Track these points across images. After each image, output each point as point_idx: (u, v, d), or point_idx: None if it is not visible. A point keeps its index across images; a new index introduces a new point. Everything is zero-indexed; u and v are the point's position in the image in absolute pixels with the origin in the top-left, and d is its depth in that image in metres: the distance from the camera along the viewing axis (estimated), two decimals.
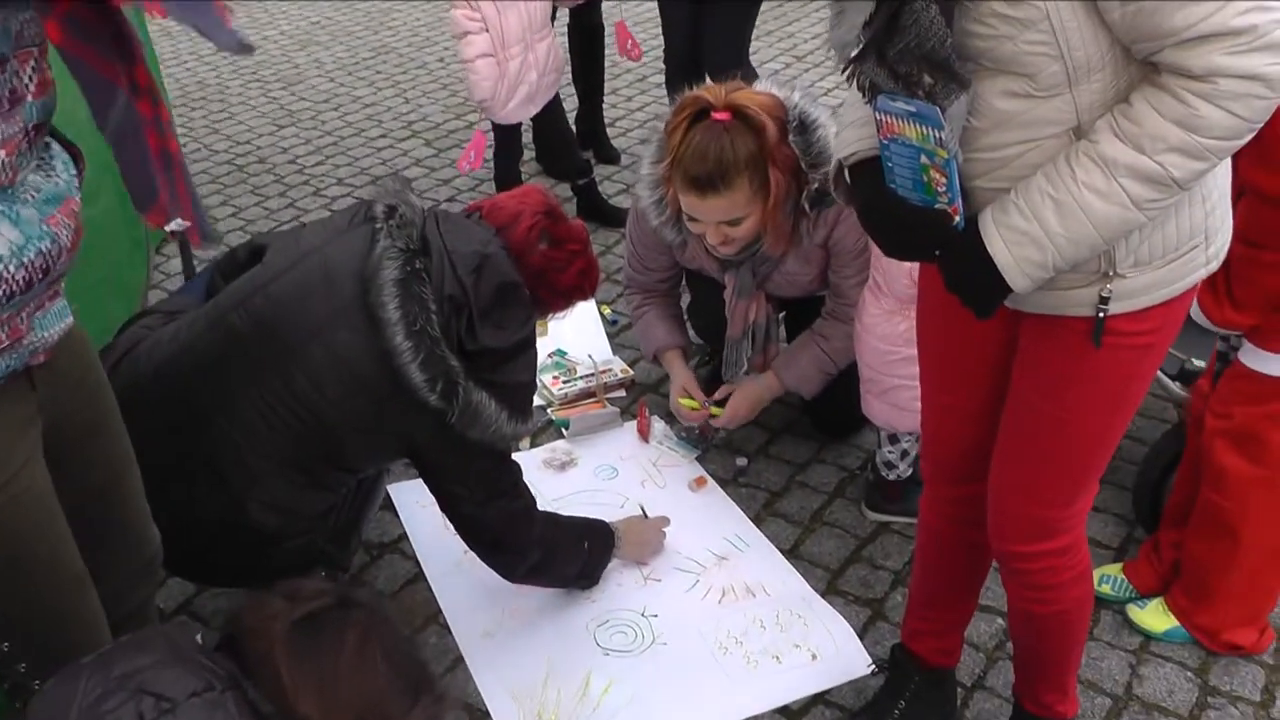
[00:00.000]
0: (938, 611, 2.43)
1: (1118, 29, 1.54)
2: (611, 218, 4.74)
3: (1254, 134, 1.56)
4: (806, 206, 2.89)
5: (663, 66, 4.89)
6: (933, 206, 1.71)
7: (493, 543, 2.64)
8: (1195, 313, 2.43)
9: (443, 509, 2.62)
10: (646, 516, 3.12)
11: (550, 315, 2.67)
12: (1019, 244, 1.67)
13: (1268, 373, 2.42)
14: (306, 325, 2.36)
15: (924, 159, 1.64)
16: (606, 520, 2.92)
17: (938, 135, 1.59)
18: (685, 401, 3.32)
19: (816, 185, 2.83)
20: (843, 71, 1.69)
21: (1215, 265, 1.81)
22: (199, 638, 1.57)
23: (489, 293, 2.39)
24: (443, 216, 2.48)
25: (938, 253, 1.78)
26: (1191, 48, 1.48)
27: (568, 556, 2.77)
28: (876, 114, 1.67)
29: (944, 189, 1.66)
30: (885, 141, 1.69)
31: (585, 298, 2.66)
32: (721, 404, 3.30)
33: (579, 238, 2.60)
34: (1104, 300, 1.75)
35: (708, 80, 4.36)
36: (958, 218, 1.70)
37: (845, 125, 1.89)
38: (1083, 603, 2.19)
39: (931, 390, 2.17)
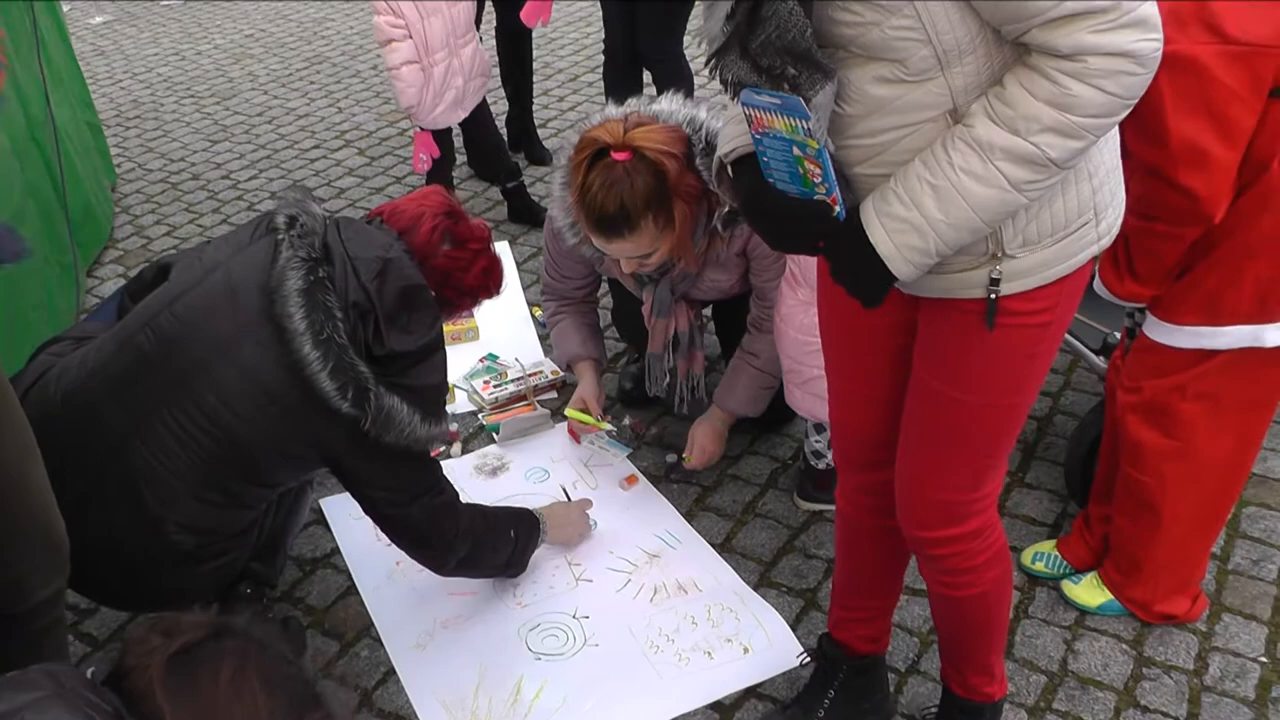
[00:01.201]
0: (860, 599, 2.42)
1: (984, 11, 1.54)
2: (542, 219, 4.71)
3: (1129, 110, 1.56)
4: (719, 227, 2.87)
5: (594, 66, 4.93)
6: (812, 198, 1.69)
7: (419, 540, 2.63)
8: (1099, 286, 2.43)
9: (366, 512, 2.61)
10: (570, 500, 3.12)
11: (458, 315, 2.67)
12: (900, 231, 1.66)
13: (1171, 344, 2.42)
14: (213, 342, 2.34)
15: (797, 150, 1.63)
16: (531, 509, 2.92)
17: (805, 126, 1.58)
18: (573, 414, 3.31)
19: (727, 206, 2.81)
20: (706, 65, 1.68)
21: (1107, 241, 1.80)
22: (90, 673, 1.55)
23: (393, 297, 2.37)
24: (344, 224, 2.46)
25: (821, 244, 1.77)
26: (1058, 27, 1.48)
27: (495, 546, 2.76)
28: (743, 109, 1.66)
29: (820, 179, 1.65)
30: (757, 136, 1.68)
31: (490, 296, 2.65)
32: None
33: (480, 236, 2.59)
34: (994, 282, 1.75)
35: (644, 74, 4.43)
36: (838, 208, 1.68)
37: (727, 121, 1.88)
38: (1001, 584, 2.19)
39: (836, 378, 2.16)
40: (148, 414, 2.35)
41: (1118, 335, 2.82)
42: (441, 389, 2.53)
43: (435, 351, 2.48)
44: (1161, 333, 2.43)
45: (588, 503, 3.12)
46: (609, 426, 3.32)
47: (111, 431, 2.37)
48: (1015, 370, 1.87)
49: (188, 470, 2.35)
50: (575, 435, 3.46)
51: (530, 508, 2.93)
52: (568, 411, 3.33)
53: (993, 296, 1.76)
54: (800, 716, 2.48)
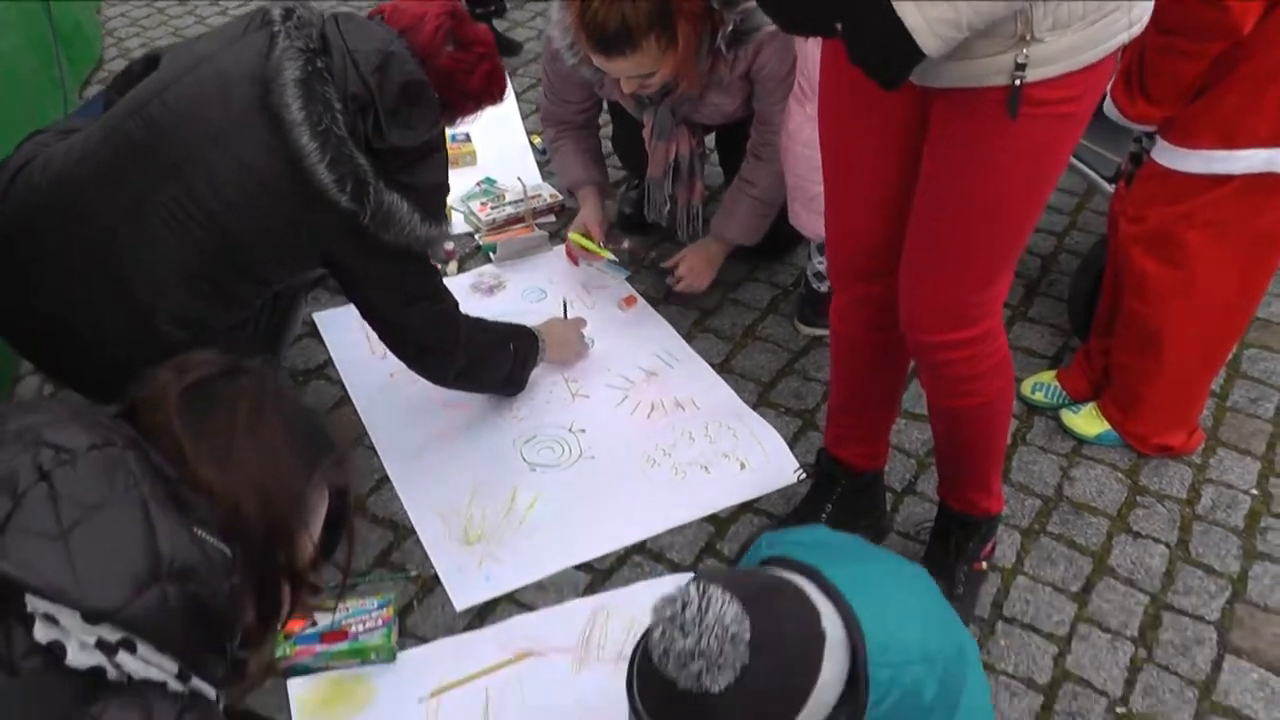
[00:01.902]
0: (855, 417, 2.41)
1: None
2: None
3: None
4: (723, 48, 2.79)
5: None
6: None
7: (418, 347, 2.61)
8: (1108, 107, 2.36)
9: (364, 316, 2.57)
10: (566, 317, 3.09)
11: (459, 120, 2.58)
12: (930, 4, 1.58)
13: (1182, 169, 2.36)
14: (206, 132, 2.26)
15: None
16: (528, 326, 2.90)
17: None
18: (575, 238, 3.27)
19: (732, 26, 2.72)
20: None
21: (1138, 30, 1.73)
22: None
23: (394, 91, 2.29)
24: (343, 18, 2.37)
25: (839, 25, 1.68)
26: None
27: (496, 360, 2.75)
28: None
29: None
30: None
31: (494, 102, 2.57)
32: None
33: (485, 40, 2.50)
34: (1020, 67, 1.67)
35: None
36: None
37: None
38: (1003, 396, 2.16)
39: (835, 184, 2.09)
40: (138, 202, 2.28)
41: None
42: (442, 189, 2.47)
43: (437, 150, 2.42)
44: (1172, 158, 2.37)
45: (582, 322, 3.10)
46: (610, 255, 3.27)
47: (100, 220, 2.30)
48: (1035, 163, 1.81)
49: (178, 261, 2.30)
50: (573, 258, 3.41)
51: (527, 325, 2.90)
52: (570, 235, 3.28)
53: (1017, 83, 1.68)
54: None
